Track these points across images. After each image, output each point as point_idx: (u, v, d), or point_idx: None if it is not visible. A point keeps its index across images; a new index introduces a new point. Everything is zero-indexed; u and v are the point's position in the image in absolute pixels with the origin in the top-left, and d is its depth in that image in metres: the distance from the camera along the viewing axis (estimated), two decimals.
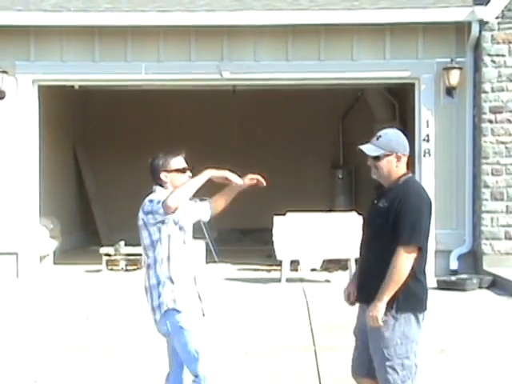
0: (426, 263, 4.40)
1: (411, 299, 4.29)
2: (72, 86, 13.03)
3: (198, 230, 13.59)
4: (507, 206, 11.04)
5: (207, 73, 11.62)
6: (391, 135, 4.51)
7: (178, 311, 4.53)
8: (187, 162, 4.91)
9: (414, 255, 4.21)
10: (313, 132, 16.73)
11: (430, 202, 4.40)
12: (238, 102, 15.31)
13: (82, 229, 16.78)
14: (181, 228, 4.66)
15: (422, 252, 4.29)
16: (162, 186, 4.73)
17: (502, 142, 11.03)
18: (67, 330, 7.96)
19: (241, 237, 16.59)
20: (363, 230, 4.55)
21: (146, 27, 11.39)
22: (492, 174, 11.03)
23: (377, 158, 4.45)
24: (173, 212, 4.46)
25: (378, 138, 4.50)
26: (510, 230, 11.01)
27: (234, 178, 4.99)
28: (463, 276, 10.72)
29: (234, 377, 6.43)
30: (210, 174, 4.81)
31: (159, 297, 4.56)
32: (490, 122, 11.03)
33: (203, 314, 4.73)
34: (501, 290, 10.03)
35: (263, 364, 6.80)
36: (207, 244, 13.24)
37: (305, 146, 16.71)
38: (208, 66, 11.53)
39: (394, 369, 4.31)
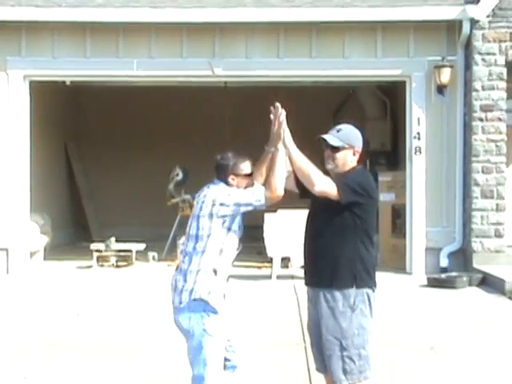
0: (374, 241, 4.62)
1: (366, 275, 4.53)
2: (63, 82, 13.00)
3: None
4: (497, 204, 11.08)
5: (199, 69, 11.61)
6: (351, 130, 4.68)
7: (207, 307, 4.53)
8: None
9: (331, 190, 4.50)
10: (304, 129, 16.67)
11: (373, 183, 4.64)
12: (229, 98, 15.31)
13: (73, 225, 16.77)
14: (235, 223, 4.73)
15: (369, 223, 4.50)
16: (227, 184, 4.77)
17: (493, 140, 11.07)
18: (57, 327, 7.95)
19: None
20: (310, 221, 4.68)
21: (137, 23, 11.38)
22: (482, 172, 11.07)
23: (336, 150, 4.59)
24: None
25: (338, 131, 4.67)
26: (499, 227, 11.06)
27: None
28: (453, 274, 10.76)
29: (224, 373, 6.44)
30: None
31: (194, 283, 4.54)
32: (481, 120, 11.07)
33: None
34: (490, 287, 10.07)
35: (253, 360, 6.81)
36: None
37: (296, 144, 16.71)
38: (200, 63, 11.53)
39: (351, 359, 4.39)
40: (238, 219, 4.73)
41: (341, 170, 4.63)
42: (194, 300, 4.50)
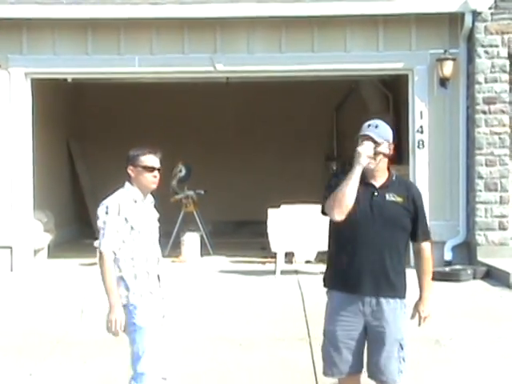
0: None
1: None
2: (65, 80, 13.00)
3: (192, 223, 13.68)
4: (501, 197, 11.06)
5: (200, 65, 11.60)
6: (386, 125, 4.59)
7: (132, 306, 4.61)
8: (161, 163, 4.78)
9: None
10: (307, 124, 16.73)
11: None
12: (231, 94, 15.29)
13: (76, 222, 16.76)
14: (132, 228, 4.63)
15: None
16: (130, 182, 4.71)
17: (496, 133, 11.04)
18: (62, 324, 7.96)
19: (235, 229, 16.59)
20: (359, 221, 4.45)
21: (138, 20, 11.36)
22: (486, 164, 11.05)
23: (378, 147, 4.51)
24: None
25: (376, 127, 4.51)
26: (503, 220, 11.04)
27: (112, 330, 4.78)
28: (457, 267, 10.74)
29: (228, 368, 6.44)
30: (111, 309, 4.65)
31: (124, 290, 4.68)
32: (484, 112, 11.04)
33: (163, 315, 4.76)
34: (495, 280, 10.06)
35: (258, 356, 6.81)
36: (202, 237, 13.25)
37: (299, 138, 16.72)
38: (201, 59, 11.51)
39: (404, 359, 4.48)
40: (132, 222, 4.61)
41: (383, 171, 4.51)
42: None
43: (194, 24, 11.46)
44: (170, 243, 13.32)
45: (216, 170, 16.32)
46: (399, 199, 4.41)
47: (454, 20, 11.32)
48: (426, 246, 4.53)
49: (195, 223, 13.75)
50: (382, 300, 4.43)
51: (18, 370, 6.48)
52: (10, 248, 11.41)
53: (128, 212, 4.58)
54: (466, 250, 11.35)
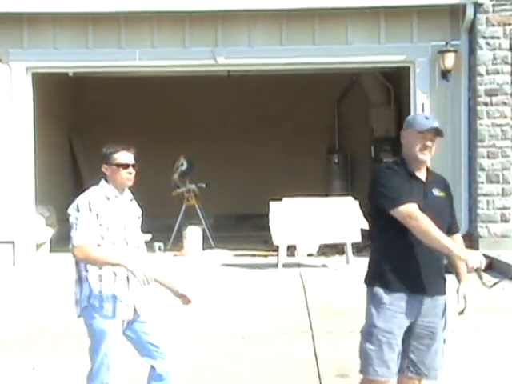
0: None
1: None
2: (66, 74, 12.98)
3: (194, 217, 13.68)
4: (503, 189, 11.05)
5: (202, 58, 11.58)
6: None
7: (94, 307, 4.54)
8: (136, 159, 4.68)
9: None
10: (308, 116, 16.71)
11: None
12: (232, 87, 15.28)
13: None
14: (101, 225, 4.50)
15: None
16: (106, 179, 4.64)
17: (498, 125, 11.03)
18: (65, 318, 7.95)
19: (237, 223, 16.59)
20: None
21: (139, 13, 11.34)
22: (488, 156, 11.04)
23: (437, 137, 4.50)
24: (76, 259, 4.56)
25: (433, 119, 4.59)
26: (505, 212, 11.03)
27: (140, 279, 4.34)
28: None
29: (231, 362, 6.45)
30: (120, 262, 4.37)
31: (80, 293, 4.67)
32: (486, 104, 11.02)
33: (123, 320, 4.54)
34: (497, 272, 10.01)
35: (261, 349, 6.82)
36: (204, 230, 13.26)
37: (300, 131, 16.70)
38: (202, 52, 11.50)
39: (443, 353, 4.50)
40: (102, 221, 4.49)
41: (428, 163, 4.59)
42: (84, 308, 4.71)
43: (195, 17, 11.44)
44: (172, 237, 13.33)
45: (218, 163, 16.31)
46: (442, 194, 4.42)
47: (455, 12, 11.30)
48: (459, 237, 4.61)
49: (197, 217, 13.76)
50: (438, 297, 4.43)
51: (21, 364, 6.50)
52: (13, 243, 11.42)
53: (98, 209, 4.48)
54: (468, 242, 11.32)
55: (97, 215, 4.46)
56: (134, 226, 4.67)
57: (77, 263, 4.61)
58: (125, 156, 4.62)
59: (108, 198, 4.56)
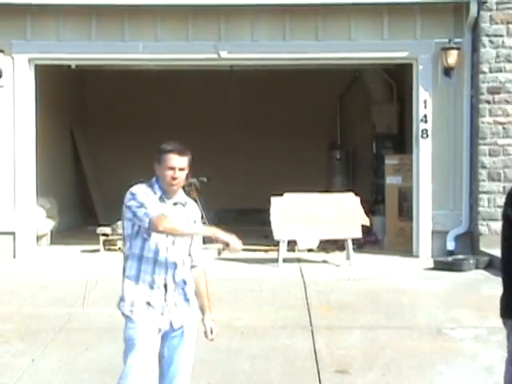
0: None
1: None
2: (69, 66, 12.98)
3: None
4: (504, 187, 11.02)
5: (205, 52, 11.56)
6: None
7: (124, 314, 4.31)
8: (191, 162, 4.39)
9: None
10: (310, 112, 16.71)
11: None
12: (235, 82, 15.27)
13: (80, 209, 16.77)
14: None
15: None
16: (157, 178, 4.37)
17: (500, 123, 11.02)
18: (64, 310, 7.98)
19: (238, 217, 16.56)
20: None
21: (143, 6, 11.32)
22: (489, 154, 11.03)
23: None
24: (155, 232, 4.19)
25: None
26: None
27: (235, 245, 4.37)
28: (460, 256, 10.74)
29: (230, 356, 6.46)
30: (213, 232, 4.24)
31: (122, 291, 4.41)
32: (488, 102, 11.01)
33: (159, 329, 4.28)
34: (497, 270, 10.03)
35: (260, 344, 6.83)
36: (205, 224, 13.24)
37: (302, 127, 16.68)
38: (205, 46, 11.48)
39: None
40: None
41: None
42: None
43: (198, 11, 11.43)
44: None
45: (219, 157, 16.30)
46: None
47: (458, 9, 11.28)
48: None
49: None
50: None
51: (21, 356, 6.51)
52: (13, 234, 11.42)
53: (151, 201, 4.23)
54: (469, 239, 11.35)
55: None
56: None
57: (126, 260, 4.36)
58: (174, 159, 4.30)
59: (158, 198, 4.31)
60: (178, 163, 4.30)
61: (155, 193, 4.30)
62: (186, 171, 4.35)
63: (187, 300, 4.38)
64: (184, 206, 4.41)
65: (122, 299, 4.34)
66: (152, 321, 4.25)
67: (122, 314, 4.33)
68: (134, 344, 4.22)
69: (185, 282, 4.37)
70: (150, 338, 4.23)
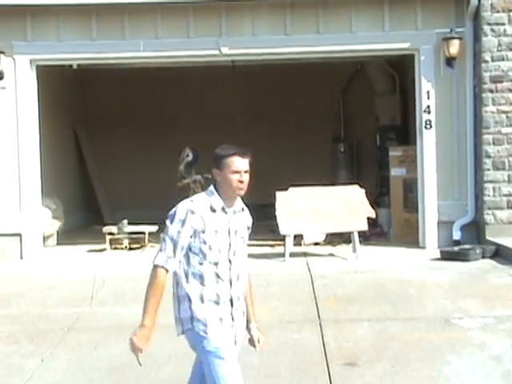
0: None
1: None
2: (70, 66, 12.98)
3: None
4: (509, 175, 11.03)
5: (206, 49, 11.56)
6: None
7: (198, 334, 4.03)
8: (250, 165, 4.15)
9: None
10: (313, 106, 16.69)
11: None
12: (238, 77, 15.25)
13: (85, 208, 16.80)
14: (204, 242, 4.02)
15: None
16: (215, 186, 4.11)
17: (503, 112, 11.00)
18: (72, 310, 7.99)
19: None
20: None
21: (143, 4, 11.32)
22: (493, 143, 11.01)
23: None
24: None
25: None
26: None
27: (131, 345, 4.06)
28: (466, 246, 10.73)
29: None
30: (140, 328, 4.08)
31: (179, 312, 4.14)
32: (491, 91, 10.99)
33: (235, 342, 4.12)
34: (504, 259, 10.05)
35: (268, 338, 6.81)
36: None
37: (306, 120, 16.68)
38: (206, 42, 11.47)
39: None
40: (205, 236, 4.02)
41: None
42: (186, 330, 4.16)
43: (198, 8, 11.42)
44: None
45: None
46: None
47: None
48: None
49: None
50: None
51: (30, 356, 6.52)
52: (20, 235, 11.45)
53: (198, 223, 3.98)
54: (475, 229, 11.34)
55: (194, 231, 3.98)
56: (241, 240, 4.25)
57: (175, 275, 4.10)
58: (237, 161, 4.06)
59: (214, 211, 4.05)
60: (243, 166, 4.07)
61: (213, 207, 4.05)
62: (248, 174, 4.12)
63: (243, 313, 4.24)
64: (242, 212, 4.25)
65: (191, 319, 4.05)
66: (228, 335, 4.06)
67: (197, 334, 4.03)
68: (221, 358, 3.97)
69: (242, 295, 4.23)
70: (232, 352, 4.05)
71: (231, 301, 4.09)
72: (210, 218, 4.02)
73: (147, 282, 4.08)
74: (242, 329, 4.22)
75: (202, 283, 4.04)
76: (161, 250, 4.00)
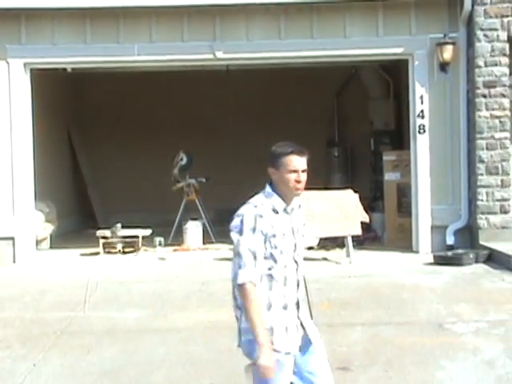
0: None
1: None
2: (64, 69, 12.97)
3: (194, 211, 13.69)
4: (502, 180, 11.05)
5: (200, 53, 11.56)
6: None
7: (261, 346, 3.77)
8: (308, 161, 4.02)
9: None
10: (307, 110, 16.71)
11: None
12: (232, 82, 15.27)
13: (79, 212, 16.78)
14: (275, 247, 3.84)
15: None
16: (271, 186, 3.97)
17: (496, 117, 11.02)
18: (65, 314, 7.97)
19: None
20: None
21: (137, 8, 11.32)
22: (487, 148, 11.03)
23: None
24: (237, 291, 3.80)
25: None
26: (505, 204, 11.03)
27: (264, 370, 3.72)
28: (459, 251, 10.75)
29: (232, 356, 6.45)
30: (261, 349, 3.70)
31: (242, 321, 3.89)
32: (484, 96, 11.01)
33: (299, 348, 3.93)
34: (497, 263, 10.06)
35: None
36: (204, 225, 13.26)
37: (300, 124, 16.67)
38: (201, 47, 11.48)
39: None
40: (273, 239, 3.83)
41: None
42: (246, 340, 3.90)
43: (193, 12, 11.43)
44: (172, 232, 13.34)
45: (217, 157, 16.31)
46: None
47: (453, 4, 11.28)
48: None
49: (197, 211, 13.76)
50: None
51: (22, 361, 6.51)
52: (13, 239, 11.41)
53: (267, 227, 3.81)
54: (468, 233, 11.36)
55: (265, 237, 3.81)
56: (301, 239, 4.02)
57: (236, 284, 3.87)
58: (296, 160, 3.92)
59: (277, 212, 3.89)
60: (301, 164, 3.93)
61: (276, 208, 3.89)
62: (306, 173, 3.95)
63: (309, 315, 4.14)
64: (299, 208, 4.06)
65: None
66: (291, 347, 3.89)
67: (251, 342, 3.80)
68: (280, 370, 3.79)
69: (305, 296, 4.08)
70: (291, 362, 3.89)
71: (297, 304, 3.94)
72: (275, 220, 3.85)
73: (243, 303, 3.77)
74: (312, 331, 4.00)
75: (270, 288, 3.85)
76: (240, 267, 3.75)
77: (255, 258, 3.76)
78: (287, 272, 3.88)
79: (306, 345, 3.97)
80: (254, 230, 3.79)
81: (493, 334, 6.89)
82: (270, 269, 3.83)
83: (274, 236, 3.82)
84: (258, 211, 3.84)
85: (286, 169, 3.90)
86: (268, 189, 3.95)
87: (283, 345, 3.84)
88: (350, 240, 10.88)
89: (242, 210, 3.89)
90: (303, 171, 3.93)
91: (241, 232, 3.80)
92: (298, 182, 3.90)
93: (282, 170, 3.90)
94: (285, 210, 3.91)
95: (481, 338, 6.77)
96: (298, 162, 3.91)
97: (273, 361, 3.70)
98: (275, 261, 3.82)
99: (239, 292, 3.77)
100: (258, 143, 16.76)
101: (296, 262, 3.93)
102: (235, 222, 3.85)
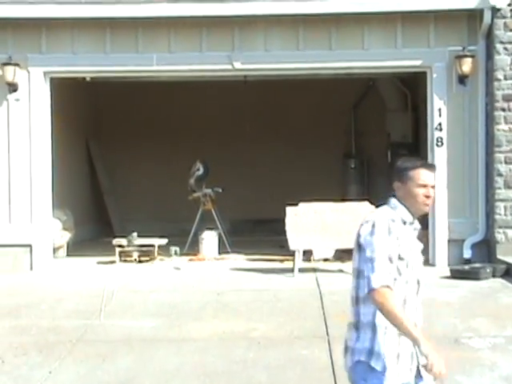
0: None
1: None
2: (84, 79, 13.06)
3: (210, 221, 13.72)
4: None
5: (218, 63, 11.60)
6: None
7: (373, 369, 3.58)
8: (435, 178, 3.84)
9: None
10: (325, 121, 16.71)
11: None
12: (249, 92, 15.30)
13: (95, 220, 16.84)
14: (401, 258, 3.63)
15: None
16: (398, 199, 3.77)
17: None
18: (81, 322, 8.00)
19: (253, 227, 16.60)
20: None
21: (157, 18, 11.38)
22: (505, 162, 10.98)
23: None
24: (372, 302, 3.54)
25: None
26: None
27: (434, 368, 3.49)
28: (476, 265, 10.69)
29: (247, 367, 6.45)
30: (421, 343, 3.49)
31: (356, 341, 3.66)
32: (503, 109, 10.97)
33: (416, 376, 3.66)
34: None
35: (277, 354, 6.81)
36: (220, 235, 13.28)
37: (317, 136, 16.69)
38: (219, 57, 11.52)
39: None
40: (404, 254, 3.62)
41: None
42: (357, 362, 3.66)
43: (211, 22, 11.47)
44: (188, 241, 13.36)
45: (234, 168, 16.34)
46: None
47: (472, 17, 11.25)
48: None
49: (213, 221, 13.78)
50: None
51: (38, 368, 6.53)
52: (30, 246, 11.48)
53: (399, 233, 3.63)
54: (486, 247, 11.30)
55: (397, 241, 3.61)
56: (421, 266, 3.82)
57: (357, 302, 3.67)
58: (425, 174, 3.73)
59: (405, 223, 3.72)
60: (430, 179, 3.74)
61: (404, 219, 3.72)
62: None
63: None
64: (419, 229, 3.89)
65: (369, 352, 3.60)
66: (404, 373, 3.62)
67: (372, 369, 3.59)
68: None
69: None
70: None
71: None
72: (404, 231, 3.68)
73: (381, 309, 3.50)
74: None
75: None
76: (373, 271, 3.50)
77: (391, 260, 3.56)
78: (407, 292, 3.67)
79: (416, 376, 3.70)
80: (389, 232, 3.60)
81: (510, 349, 6.83)
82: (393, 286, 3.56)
83: (403, 246, 3.63)
84: (390, 216, 3.69)
85: (415, 182, 3.71)
86: (394, 201, 3.77)
87: (393, 375, 3.57)
88: None
89: (372, 217, 3.72)
90: (432, 187, 3.77)
91: (372, 234, 3.60)
92: (428, 197, 3.74)
93: (410, 184, 3.72)
94: (411, 223, 3.76)
95: (498, 354, 6.72)
96: (427, 177, 3.74)
97: (435, 353, 3.47)
98: (400, 273, 3.61)
99: (373, 298, 3.50)
100: (274, 154, 16.86)
101: (418, 282, 3.75)
102: (366, 227, 3.66)
